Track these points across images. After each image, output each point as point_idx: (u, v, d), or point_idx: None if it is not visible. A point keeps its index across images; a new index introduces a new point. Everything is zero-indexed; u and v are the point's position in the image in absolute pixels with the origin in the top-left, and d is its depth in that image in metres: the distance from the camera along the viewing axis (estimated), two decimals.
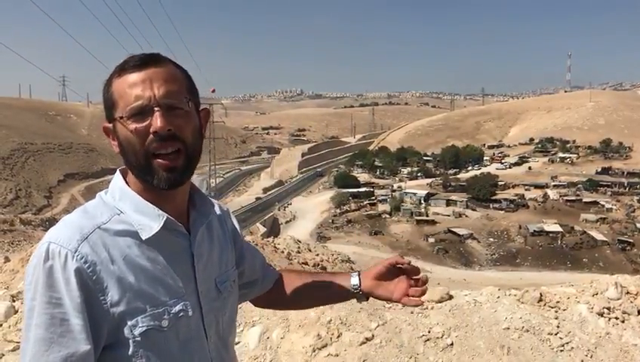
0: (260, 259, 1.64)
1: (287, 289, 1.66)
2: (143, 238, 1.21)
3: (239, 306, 1.64)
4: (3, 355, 4.29)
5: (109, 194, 1.28)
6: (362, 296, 1.59)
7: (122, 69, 1.22)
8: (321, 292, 1.65)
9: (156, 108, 1.18)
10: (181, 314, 1.24)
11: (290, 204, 79.12)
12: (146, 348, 1.19)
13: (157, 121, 1.17)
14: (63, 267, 1.12)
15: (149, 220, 1.22)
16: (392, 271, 1.54)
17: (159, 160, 1.20)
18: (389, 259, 1.54)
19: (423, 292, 1.51)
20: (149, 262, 1.21)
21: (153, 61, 1.22)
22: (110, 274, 1.15)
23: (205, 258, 1.34)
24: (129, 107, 1.18)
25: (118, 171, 1.30)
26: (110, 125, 1.24)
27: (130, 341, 1.18)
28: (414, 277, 1.52)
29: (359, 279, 1.59)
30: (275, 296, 1.67)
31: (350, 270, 16.69)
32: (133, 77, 1.19)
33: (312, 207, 74.30)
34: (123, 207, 1.24)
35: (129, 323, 1.17)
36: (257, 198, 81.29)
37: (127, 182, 1.28)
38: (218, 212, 1.49)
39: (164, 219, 1.23)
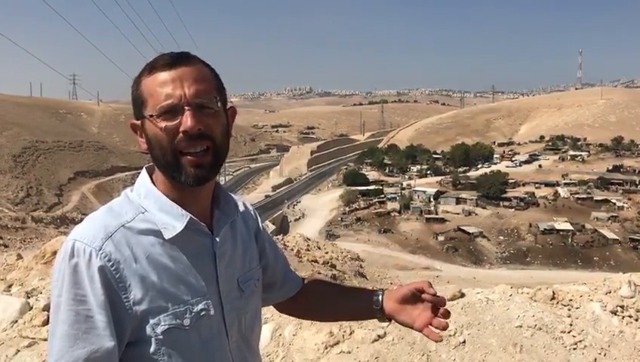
0: (282, 262, 1.61)
1: (313, 300, 1.62)
2: (166, 238, 1.22)
3: None
4: (18, 351, 4.33)
5: (135, 191, 1.28)
6: (384, 317, 1.48)
7: (153, 68, 1.22)
8: (344, 309, 1.59)
9: (187, 108, 1.18)
10: (203, 313, 1.25)
11: (300, 201, 79.30)
12: (168, 346, 1.20)
13: (187, 121, 1.17)
14: (87, 265, 1.13)
15: (173, 219, 1.23)
16: (417, 296, 1.42)
17: (188, 157, 1.20)
18: (415, 284, 1.43)
19: (445, 326, 1.38)
20: (171, 261, 1.22)
21: (183, 60, 1.22)
22: (133, 273, 1.17)
23: (228, 257, 1.35)
24: (159, 105, 1.18)
25: (144, 169, 1.31)
26: (138, 122, 1.25)
27: (153, 339, 1.19)
28: (438, 306, 1.40)
29: (382, 298, 1.48)
30: (298, 304, 1.63)
31: (363, 275, 16.69)
32: (164, 75, 1.20)
33: (322, 205, 74.37)
34: (147, 205, 1.24)
35: (151, 321, 1.18)
36: (267, 196, 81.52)
37: (153, 181, 1.28)
38: (243, 211, 1.49)
39: (188, 218, 1.24)
